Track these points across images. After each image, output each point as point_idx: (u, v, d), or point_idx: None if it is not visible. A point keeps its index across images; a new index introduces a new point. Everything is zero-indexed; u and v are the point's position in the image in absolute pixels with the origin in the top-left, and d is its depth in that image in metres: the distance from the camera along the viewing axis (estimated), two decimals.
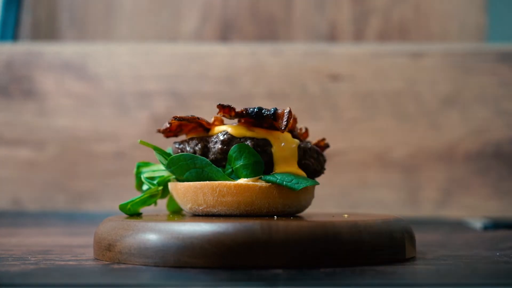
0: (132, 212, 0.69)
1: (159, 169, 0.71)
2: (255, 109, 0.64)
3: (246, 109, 0.64)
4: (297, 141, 0.67)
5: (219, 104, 0.64)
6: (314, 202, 0.70)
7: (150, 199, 0.70)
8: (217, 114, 0.66)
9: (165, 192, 0.71)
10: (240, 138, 0.65)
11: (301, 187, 0.63)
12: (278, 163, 0.65)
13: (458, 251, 0.70)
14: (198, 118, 0.67)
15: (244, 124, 0.66)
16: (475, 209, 1.30)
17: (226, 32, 1.49)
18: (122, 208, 0.68)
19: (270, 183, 0.63)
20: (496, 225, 1.06)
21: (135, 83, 1.39)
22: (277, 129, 0.65)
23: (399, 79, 1.35)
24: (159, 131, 0.70)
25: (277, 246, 0.55)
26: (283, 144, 0.65)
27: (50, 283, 0.50)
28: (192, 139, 0.67)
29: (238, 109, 0.65)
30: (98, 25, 1.52)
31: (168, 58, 1.39)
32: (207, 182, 0.64)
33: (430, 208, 1.31)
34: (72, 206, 1.37)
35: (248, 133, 0.65)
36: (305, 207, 0.69)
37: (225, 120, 0.69)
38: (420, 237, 0.73)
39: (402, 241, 0.62)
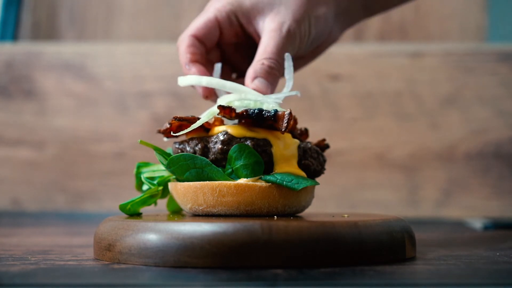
0: (132, 212, 0.69)
1: (159, 169, 0.71)
2: (256, 111, 0.64)
3: (246, 111, 0.64)
4: (297, 141, 0.67)
5: (220, 105, 0.64)
6: (314, 202, 0.70)
7: (150, 199, 0.70)
8: (217, 115, 0.66)
9: (165, 192, 0.71)
10: (240, 138, 0.65)
11: (301, 187, 0.63)
12: (278, 163, 0.65)
13: (458, 251, 0.70)
14: (198, 118, 0.67)
15: (244, 124, 0.66)
16: (475, 209, 1.30)
17: None
18: (122, 208, 0.68)
19: (270, 183, 0.63)
20: (496, 225, 1.06)
21: (135, 83, 1.39)
22: (277, 130, 0.65)
23: (399, 79, 1.35)
24: (159, 131, 0.70)
25: (277, 246, 0.55)
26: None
27: (50, 283, 0.50)
28: (192, 139, 0.67)
29: (238, 110, 0.65)
30: (98, 25, 1.52)
31: (168, 58, 1.39)
32: (207, 182, 0.64)
33: (430, 208, 1.31)
34: (72, 206, 1.37)
35: (248, 133, 0.65)
36: (305, 207, 0.69)
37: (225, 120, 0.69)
38: (420, 237, 0.73)
39: (402, 241, 0.62)
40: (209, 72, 0.76)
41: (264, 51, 0.73)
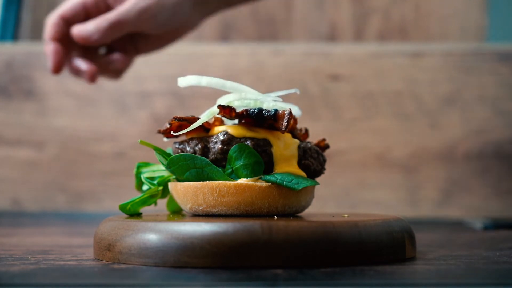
0: (132, 212, 0.69)
1: (159, 169, 0.71)
2: (256, 110, 0.64)
3: (246, 110, 0.64)
4: (297, 141, 0.67)
5: (220, 105, 0.64)
6: (314, 202, 0.70)
7: (150, 199, 0.70)
8: (217, 114, 0.66)
9: (165, 192, 0.71)
10: (240, 138, 0.65)
11: (301, 187, 0.63)
12: (278, 163, 0.65)
13: (458, 251, 0.70)
14: (198, 118, 0.67)
15: (244, 124, 0.66)
16: (475, 209, 1.30)
17: (226, 32, 1.49)
18: (122, 208, 0.68)
19: (270, 183, 0.63)
20: (496, 225, 1.06)
21: (135, 83, 1.39)
22: (277, 130, 0.65)
23: (399, 79, 1.35)
24: (159, 131, 0.70)
25: (277, 246, 0.55)
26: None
27: (50, 283, 0.50)
28: (192, 139, 0.67)
29: (238, 110, 0.65)
30: None
31: (168, 58, 1.39)
32: (207, 182, 0.64)
33: (430, 208, 1.31)
34: (72, 206, 1.37)
35: (248, 133, 0.65)
36: (305, 207, 0.69)
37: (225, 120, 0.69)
38: (420, 237, 0.73)
39: (402, 241, 0.62)
40: (68, 50, 0.91)
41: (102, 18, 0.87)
